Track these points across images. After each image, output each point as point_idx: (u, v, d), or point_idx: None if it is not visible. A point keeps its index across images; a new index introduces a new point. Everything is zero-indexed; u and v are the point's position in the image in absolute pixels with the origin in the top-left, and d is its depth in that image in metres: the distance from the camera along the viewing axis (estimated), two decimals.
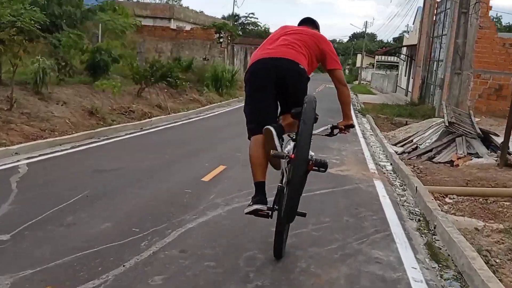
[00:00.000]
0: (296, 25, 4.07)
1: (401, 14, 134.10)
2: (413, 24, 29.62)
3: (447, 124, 9.33)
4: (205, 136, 11.09)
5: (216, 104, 18.60)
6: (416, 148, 9.96)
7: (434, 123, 11.41)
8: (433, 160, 9.11)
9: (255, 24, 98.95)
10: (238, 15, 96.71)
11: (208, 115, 15.59)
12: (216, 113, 16.50)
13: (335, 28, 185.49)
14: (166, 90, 17.08)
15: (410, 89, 26.62)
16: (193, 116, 14.86)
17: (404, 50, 30.91)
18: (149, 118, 12.33)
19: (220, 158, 8.06)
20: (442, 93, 17.17)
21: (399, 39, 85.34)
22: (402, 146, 11.04)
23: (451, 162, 8.90)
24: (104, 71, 12.82)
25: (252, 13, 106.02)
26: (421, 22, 24.94)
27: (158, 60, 14.33)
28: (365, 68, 60.13)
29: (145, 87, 14.32)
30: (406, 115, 18.79)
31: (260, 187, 3.64)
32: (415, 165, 8.69)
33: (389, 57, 54.37)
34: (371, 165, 8.64)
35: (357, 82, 57.73)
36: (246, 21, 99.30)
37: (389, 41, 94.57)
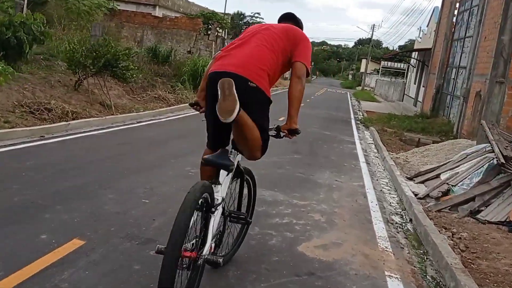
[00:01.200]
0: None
1: (406, 22, 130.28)
2: (427, 26, 26.03)
3: (503, 161, 5.78)
4: (126, 156, 7.04)
5: (188, 104, 15.04)
6: (447, 192, 6.40)
7: (469, 152, 7.83)
8: (478, 216, 5.57)
9: (260, 24, 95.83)
10: (243, 14, 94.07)
11: (167, 119, 12.00)
12: (180, 116, 12.93)
13: (343, 33, 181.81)
14: (124, 84, 13.56)
15: (420, 99, 23.05)
16: (145, 119, 11.30)
17: (414, 55, 27.30)
18: (73, 119, 8.81)
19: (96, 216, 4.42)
20: (465, 106, 13.61)
21: (405, 47, 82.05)
22: (423, 182, 7.50)
23: (509, 224, 5.36)
24: (20, 53, 9.28)
25: (258, 13, 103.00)
26: (438, 24, 21.36)
27: (107, 43, 10.78)
28: (369, 74, 56.55)
29: (85, 77, 10.77)
30: (418, 130, 15.23)
31: None
32: (452, 228, 5.14)
33: (396, 64, 50.75)
34: (380, 230, 4.97)
35: (360, 87, 54.11)
36: (252, 21, 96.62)
37: (394, 48, 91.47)
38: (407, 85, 28.63)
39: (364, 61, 62.97)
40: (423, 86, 23.13)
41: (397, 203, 6.38)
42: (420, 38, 27.28)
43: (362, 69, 64.84)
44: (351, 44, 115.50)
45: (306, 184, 6.61)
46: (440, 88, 19.57)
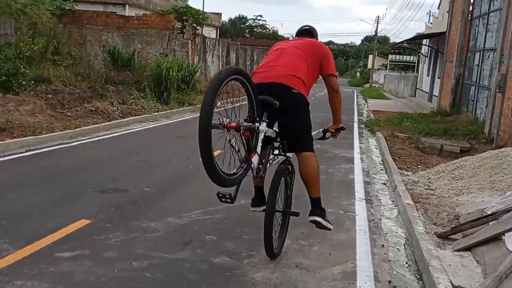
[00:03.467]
0: (295, 35, 4.14)
1: (410, 17, 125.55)
2: (438, 8, 22.21)
3: None
4: None
5: (140, 117, 11.59)
6: None
7: None
8: None
9: (263, 26, 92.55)
10: (245, 17, 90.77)
11: (89, 140, 8.55)
12: (114, 134, 9.47)
13: (349, 31, 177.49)
14: (51, 95, 10.21)
15: (436, 93, 19.28)
16: (51, 143, 7.85)
17: (426, 42, 23.49)
18: None
19: None
20: (503, 98, 9.92)
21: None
22: (468, 248, 3.88)
23: None
24: None
25: (260, 15, 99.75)
26: (452, 2, 17.58)
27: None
28: (377, 69, 52.57)
29: None
30: (439, 133, 11.53)
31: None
32: None
33: (405, 57, 46.83)
34: None
35: (368, 85, 50.15)
36: (254, 24, 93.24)
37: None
38: (419, 78, 24.82)
39: (371, 56, 59.04)
40: (438, 78, 19.35)
41: None
42: (431, 23, 23.44)
43: (370, 65, 60.90)
44: (358, 42, 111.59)
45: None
46: (460, 78, 15.81)
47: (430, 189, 6.22)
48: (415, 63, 44.75)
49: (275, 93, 3.38)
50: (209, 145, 2.77)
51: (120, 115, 11.07)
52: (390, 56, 47.08)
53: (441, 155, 9.46)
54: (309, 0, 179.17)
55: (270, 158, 3.58)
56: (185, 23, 18.93)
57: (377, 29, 45.87)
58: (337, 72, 4.42)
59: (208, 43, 21.76)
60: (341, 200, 5.51)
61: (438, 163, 8.17)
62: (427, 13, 21.12)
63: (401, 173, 7.04)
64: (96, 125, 9.65)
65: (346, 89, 45.26)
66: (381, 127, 13.13)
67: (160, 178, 6.02)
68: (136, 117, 11.41)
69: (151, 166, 6.68)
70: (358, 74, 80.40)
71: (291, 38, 5.06)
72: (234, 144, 3.14)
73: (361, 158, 8.51)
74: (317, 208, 3.52)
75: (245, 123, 3.20)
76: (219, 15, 35.24)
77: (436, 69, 20.10)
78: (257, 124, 3.25)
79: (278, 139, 3.55)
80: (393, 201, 5.78)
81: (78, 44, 17.85)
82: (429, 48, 21.80)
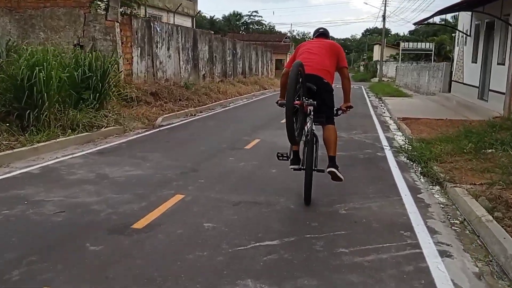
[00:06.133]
0: (312, 35, 5.40)
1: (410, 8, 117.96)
2: None
3: None
4: None
5: None
6: None
7: None
8: None
9: (259, 23, 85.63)
10: (240, 14, 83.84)
11: None
12: None
13: (350, 26, 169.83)
14: None
15: (497, 87, 12.33)
16: None
17: (462, 18, 16.46)
18: None
19: None
20: None
21: (415, 32, 70.59)
22: None
23: None
24: None
25: (256, 11, 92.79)
26: None
27: None
28: (385, 61, 45.45)
29: None
30: None
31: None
32: None
33: (419, 44, 39.74)
34: None
35: (375, 79, 43.05)
36: (250, 20, 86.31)
37: (405, 34, 79.83)
38: (455, 67, 17.81)
39: (377, 47, 52.05)
40: (499, 64, 12.44)
41: None
42: None
43: (376, 57, 53.77)
44: (358, 36, 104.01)
45: None
46: None
47: None
48: (431, 50, 37.71)
49: (313, 81, 4.53)
50: (292, 116, 4.05)
51: None
52: (402, 44, 39.93)
53: None
54: None
55: (308, 128, 4.73)
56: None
57: (385, 11, 38.75)
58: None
59: (158, 29, 14.90)
60: None
61: None
62: None
63: None
64: None
65: (352, 84, 38.30)
66: (443, 162, 6.34)
67: None
68: None
69: None
70: (362, 67, 73.29)
71: (309, 39, 6.14)
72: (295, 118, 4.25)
73: None
74: (333, 163, 4.69)
75: (305, 101, 4.36)
76: (193, 2, 28.43)
77: (494, 51, 13.13)
78: (310, 100, 4.47)
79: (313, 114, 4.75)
80: None
81: None
82: (474, 22, 14.78)
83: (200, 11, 29.42)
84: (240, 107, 16.29)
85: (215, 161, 6.61)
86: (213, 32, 21.71)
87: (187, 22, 27.01)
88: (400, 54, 40.15)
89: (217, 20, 79.78)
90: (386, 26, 75.87)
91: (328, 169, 4.61)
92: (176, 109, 12.67)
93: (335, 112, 4.82)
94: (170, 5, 24.54)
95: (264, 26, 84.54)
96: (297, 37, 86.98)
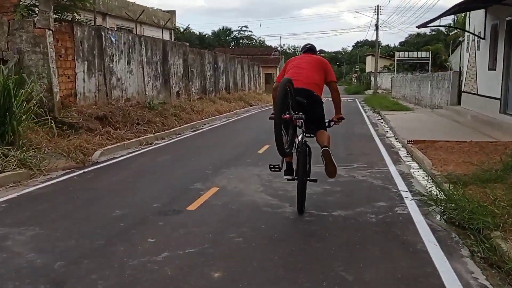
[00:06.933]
0: (300, 51, 5.47)
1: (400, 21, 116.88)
2: None
3: None
4: None
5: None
6: None
7: None
8: None
9: (249, 37, 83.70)
10: (229, 29, 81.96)
11: None
12: None
13: (341, 38, 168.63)
14: None
15: None
16: None
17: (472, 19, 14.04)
18: None
19: None
20: None
21: (406, 43, 68.58)
22: None
23: None
24: None
25: (246, 26, 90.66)
26: None
27: None
28: (379, 72, 43.11)
29: None
30: None
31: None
32: None
33: (415, 53, 37.43)
34: None
35: (371, 91, 40.64)
36: (240, 35, 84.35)
37: (396, 45, 77.89)
38: (466, 75, 15.30)
39: (369, 58, 49.76)
40: None
41: None
42: None
43: (368, 69, 51.50)
44: (349, 49, 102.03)
45: None
46: None
47: None
48: (428, 60, 35.40)
49: (303, 95, 4.58)
50: (281, 129, 4.12)
51: None
52: (397, 54, 37.50)
53: None
54: (297, 12, 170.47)
55: (298, 140, 4.81)
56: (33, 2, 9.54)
57: (377, 19, 36.35)
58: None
59: (114, 39, 12.28)
60: None
61: None
62: None
63: None
64: None
65: (345, 98, 35.80)
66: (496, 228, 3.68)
67: None
68: None
69: None
70: (354, 80, 71.18)
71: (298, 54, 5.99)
72: (284, 132, 4.30)
73: None
74: (327, 147, 4.66)
75: (295, 115, 4.40)
76: (171, 13, 25.92)
77: None
78: (299, 114, 4.51)
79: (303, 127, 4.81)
80: None
81: None
82: (489, 22, 12.30)
83: (182, 27, 26.89)
84: (214, 129, 13.62)
85: (115, 250, 3.75)
86: (187, 44, 19.12)
87: (165, 35, 24.49)
88: (395, 65, 37.72)
89: (206, 35, 77.88)
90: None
91: (323, 149, 4.58)
92: (128, 136, 10.01)
93: (327, 123, 4.95)
94: (132, 14, 22.00)
95: (254, 40, 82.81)
96: (287, 51, 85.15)
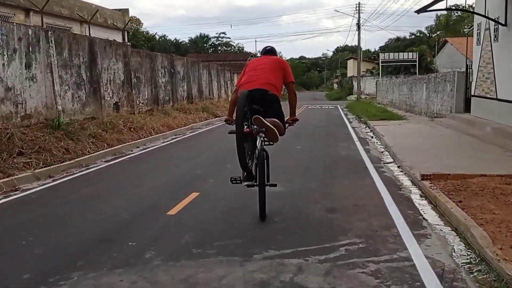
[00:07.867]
0: (260, 53, 5.49)
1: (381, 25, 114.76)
2: None
3: None
4: None
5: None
6: None
7: None
8: None
9: (227, 44, 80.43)
10: (207, 36, 78.55)
11: None
12: None
13: (321, 45, 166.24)
14: None
15: None
16: None
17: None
18: None
19: None
20: None
21: (386, 47, 65.97)
22: None
23: None
24: None
25: (224, 33, 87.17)
26: None
27: None
28: (362, 77, 39.98)
29: None
30: None
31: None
32: None
33: (400, 54, 34.35)
34: None
35: (353, 97, 37.40)
36: (218, 42, 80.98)
37: (376, 50, 75.36)
38: (477, 75, 11.95)
39: (351, 62, 46.64)
40: None
41: None
42: None
43: (350, 73, 48.36)
44: (330, 54, 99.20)
45: None
46: None
47: None
48: (415, 61, 32.33)
49: (258, 94, 4.54)
50: (243, 145, 4.17)
51: None
52: (382, 55, 34.34)
53: None
54: (276, 19, 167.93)
55: (258, 150, 4.75)
56: None
57: (359, 18, 32.94)
58: (295, 82, 5.41)
59: (0, 33, 8.55)
60: None
61: None
62: None
63: None
64: None
65: (326, 105, 32.24)
66: None
67: None
68: None
69: None
70: (335, 85, 68.26)
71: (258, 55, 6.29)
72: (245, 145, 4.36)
73: None
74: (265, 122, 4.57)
75: (255, 128, 4.46)
76: (123, 11, 22.24)
77: None
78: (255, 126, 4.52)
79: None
80: None
81: None
82: (511, 3, 9.01)
83: (183, 41, 23.28)
84: (142, 156, 9.73)
85: None
86: (129, 44, 15.45)
87: (116, 36, 20.78)
88: (380, 67, 34.56)
89: (183, 43, 74.30)
90: (355, 44, 71.00)
91: (254, 116, 4.45)
92: None
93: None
94: (83, 13, 18.26)
95: (232, 47, 79.71)
96: None
